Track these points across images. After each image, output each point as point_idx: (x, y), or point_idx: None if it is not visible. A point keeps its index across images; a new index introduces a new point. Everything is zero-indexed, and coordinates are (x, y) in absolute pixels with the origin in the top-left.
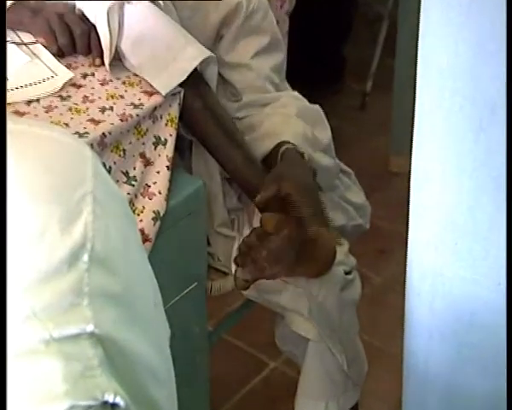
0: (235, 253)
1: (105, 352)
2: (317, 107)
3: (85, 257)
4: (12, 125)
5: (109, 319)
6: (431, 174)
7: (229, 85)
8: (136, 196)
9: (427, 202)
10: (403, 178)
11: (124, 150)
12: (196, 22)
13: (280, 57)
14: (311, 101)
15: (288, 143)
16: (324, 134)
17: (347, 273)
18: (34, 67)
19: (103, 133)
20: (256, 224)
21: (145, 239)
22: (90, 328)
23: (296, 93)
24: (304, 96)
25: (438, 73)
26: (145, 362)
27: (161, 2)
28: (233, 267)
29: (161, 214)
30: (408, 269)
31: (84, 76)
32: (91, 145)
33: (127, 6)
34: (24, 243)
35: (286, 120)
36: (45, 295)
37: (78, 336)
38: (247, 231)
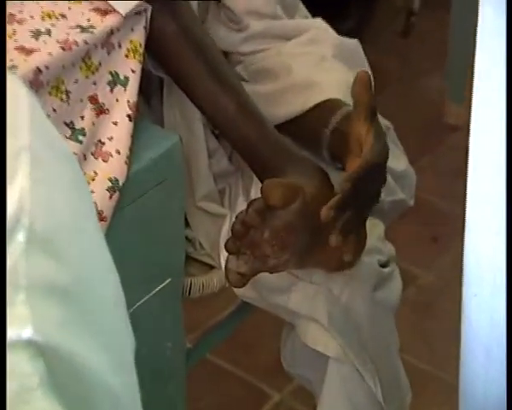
0: (225, 237)
1: (47, 367)
2: (355, 42)
3: (21, 236)
4: None
5: (53, 322)
6: (494, 127)
7: (225, 9)
8: (84, 156)
9: (491, 171)
10: (465, 135)
11: (67, 92)
12: None
13: None
14: None
15: (339, 102)
16: None
17: (383, 266)
18: None
19: (37, 68)
20: (255, 195)
21: (99, 218)
22: (27, 333)
23: (321, 21)
24: None
25: None
26: (101, 381)
27: None
28: (222, 256)
29: (120, 183)
30: (465, 262)
31: None
32: None
33: None
34: None
35: (320, 63)
36: None
37: (11, 344)
38: (242, 206)
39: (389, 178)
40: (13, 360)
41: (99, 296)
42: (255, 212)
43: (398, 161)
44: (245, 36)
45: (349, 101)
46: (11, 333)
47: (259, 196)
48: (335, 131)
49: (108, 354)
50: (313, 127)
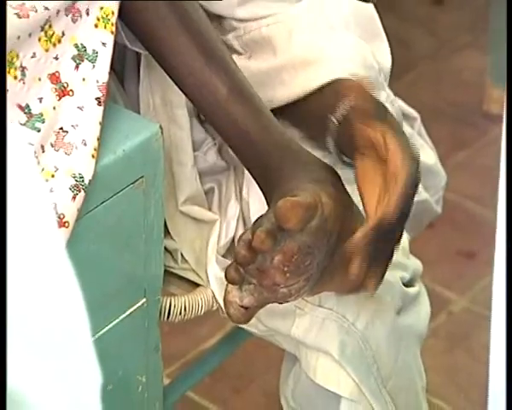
0: (214, 248)
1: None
2: (371, 8)
3: None
4: None
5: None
6: None
7: None
8: (42, 147)
9: None
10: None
11: (23, 69)
12: None
13: None
14: None
15: (352, 83)
16: (384, 55)
17: (407, 285)
18: None
19: None
20: (248, 195)
21: (59, 222)
22: None
23: None
24: None
25: None
26: None
27: None
28: (211, 272)
29: (86, 181)
30: (494, 283)
31: None
32: None
33: None
34: None
35: (328, 34)
36: None
37: None
38: (234, 210)
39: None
40: None
41: (56, 324)
42: (265, 234)
43: (424, 153)
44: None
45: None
46: None
47: (271, 215)
48: (344, 119)
49: (66, 394)
50: (317, 114)
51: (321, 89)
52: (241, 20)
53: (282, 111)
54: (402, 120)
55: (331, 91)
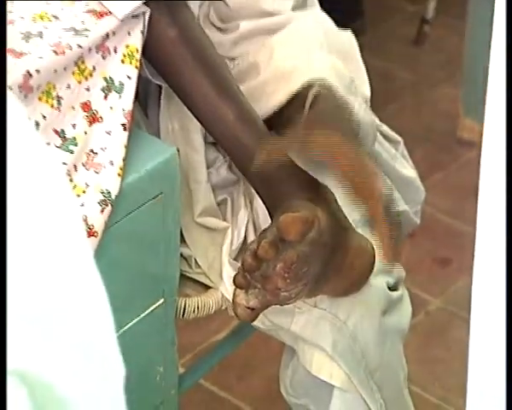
0: (227, 252)
1: (30, 396)
2: (348, 35)
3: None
4: None
5: (37, 352)
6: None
7: (218, 3)
8: (75, 167)
9: (504, 189)
10: (479, 151)
11: (59, 99)
12: None
13: None
14: None
15: (318, 80)
16: (360, 78)
17: (392, 289)
18: None
19: (28, 72)
20: (258, 206)
21: (88, 233)
22: (11, 361)
23: (317, 11)
24: None
25: None
26: None
27: None
28: (226, 273)
29: (113, 196)
30: (474, 286)
31: None
32: (9, 88)
33: None
34: None
35: (303, 51)
36: None
37: None
38: (244, 219)
39: (392, 188)
40: None
41: (85, 323)
42: (268, 245)
43: (406, 171)
44: (234, 37)
45: (336, 84)
46: None
47: (274, 229)
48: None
49: (95, 384)
50: (294, 120)
51: (297, 95)
52: (234, 58)
53: (268, 122)
54: (374, 125)
55: (304, 97)
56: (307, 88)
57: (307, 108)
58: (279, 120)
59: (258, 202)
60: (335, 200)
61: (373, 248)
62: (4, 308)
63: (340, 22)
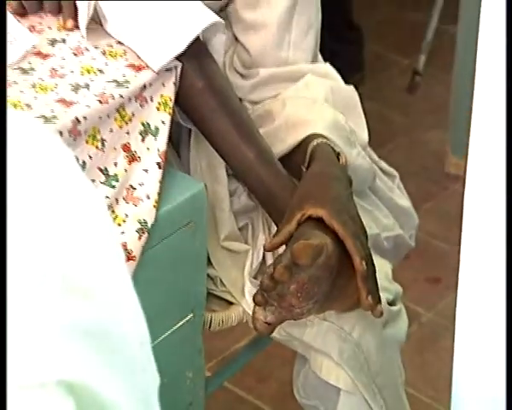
0: (248, 272)
1: (77, 405)
2: (350, 89)
3: (56, 283)
4: None
5: (82, 362)
6: (491, 181)
7: (241, 51)
8: (117, 200)
9: (485, 217)
10: (464, 183)
11: (102, 141)
12: None
13: (313, 13)
14: None
15: (319, 136)
16: (360, 127)
17: (391, 304)
18: None
19: (76, 118)
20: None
21: (127, 257)
22: (57, 375)
23: (327, 66)
24: None
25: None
26: None
27: None
28: (247, 290)
29: (149, 225)
30: (458, 303)
31: (53, 43)
32: (60, 133)
33: None
34: None
35: (311, 105)
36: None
37: (42, 384)
38: (261, 240)
39: (388, 215)
40: (44, 399)
41: (126, 337)
42: (283, 268)
43: (401, 200)
44: (254, 82)
45: (334, 137)
46: (43, 373)
47: (288, 255)
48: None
49: (134, 392)
50: (300, 163)
51: (301, 143)
52: (253, 103)
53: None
54: (374, 176)
55: (305, 145)
56: (311, 137)
57: (307, 157)
58: (288, 161)
59: (275, 227)
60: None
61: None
62: (4, 309)
63: (345, 74)
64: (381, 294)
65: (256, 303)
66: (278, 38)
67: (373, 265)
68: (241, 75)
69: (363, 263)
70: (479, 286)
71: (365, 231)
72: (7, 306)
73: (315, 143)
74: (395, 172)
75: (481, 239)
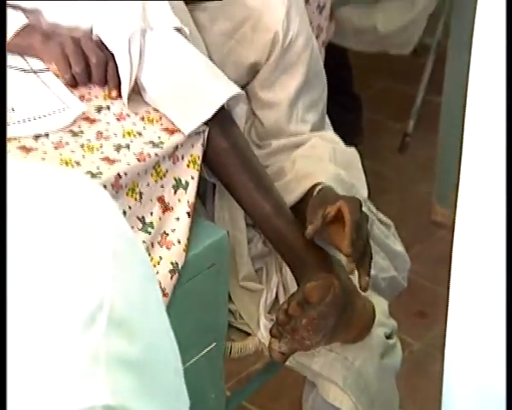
0: (263, 308)
1: None
2: (352, 150)
3: (102, 320)
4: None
5: (126, 389)
6: (478, 229)
7: (257, 124)
8: (152, 244)
9: (472, 261)
10: (448, 231)
11: (140, 193)
12: (230, 54)
13: (319, 91)
14: None
15: (323, 183)
16: (361, 183)
17: (388, 337)
18: (43, 97)
19: (118, 174)
20: (286, 273)
21: (161, 294)
22: (104, 400)
23: (331, 133)
24: None
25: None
26: None
27: (187, 31)
28: (262, 324)
29: (180, 266)
30: (448, 336)
31: (99, 109)
32: (104, 187)
33: (150, 34)
34: (34, 303)
35: (317, 162)
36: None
37: (92, 408)
38: (274, 281)
39: (384, 258)
40: None
41: (163, 366)
42: (296, 305)
43: (396, 246)
44: (268, 152)
45: (337, 187)
46: (90, 399)
47: (300, 294)
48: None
49: None
50: (305, 209)
51: (307, 192)
52: (267, 167)
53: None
54: (372, 224)
55: (311, 192)
56: (316, 185)
57: (313, 198)
58: (298, 209)
59: (286, 269)
60: (343, 269)
61: (373, 308)
62: (4, 309)
63: (346, 137)
64: (379, 328)
65: (272, 335)
66: (288, 114)
67: (370, 248)
68: (257, 145)
69: (353, 219)
70: (466, 319)
71: (368, 218)
72: (7, 306)
73: (319, 187)
74: (390, 222)
75: (468, 278)
